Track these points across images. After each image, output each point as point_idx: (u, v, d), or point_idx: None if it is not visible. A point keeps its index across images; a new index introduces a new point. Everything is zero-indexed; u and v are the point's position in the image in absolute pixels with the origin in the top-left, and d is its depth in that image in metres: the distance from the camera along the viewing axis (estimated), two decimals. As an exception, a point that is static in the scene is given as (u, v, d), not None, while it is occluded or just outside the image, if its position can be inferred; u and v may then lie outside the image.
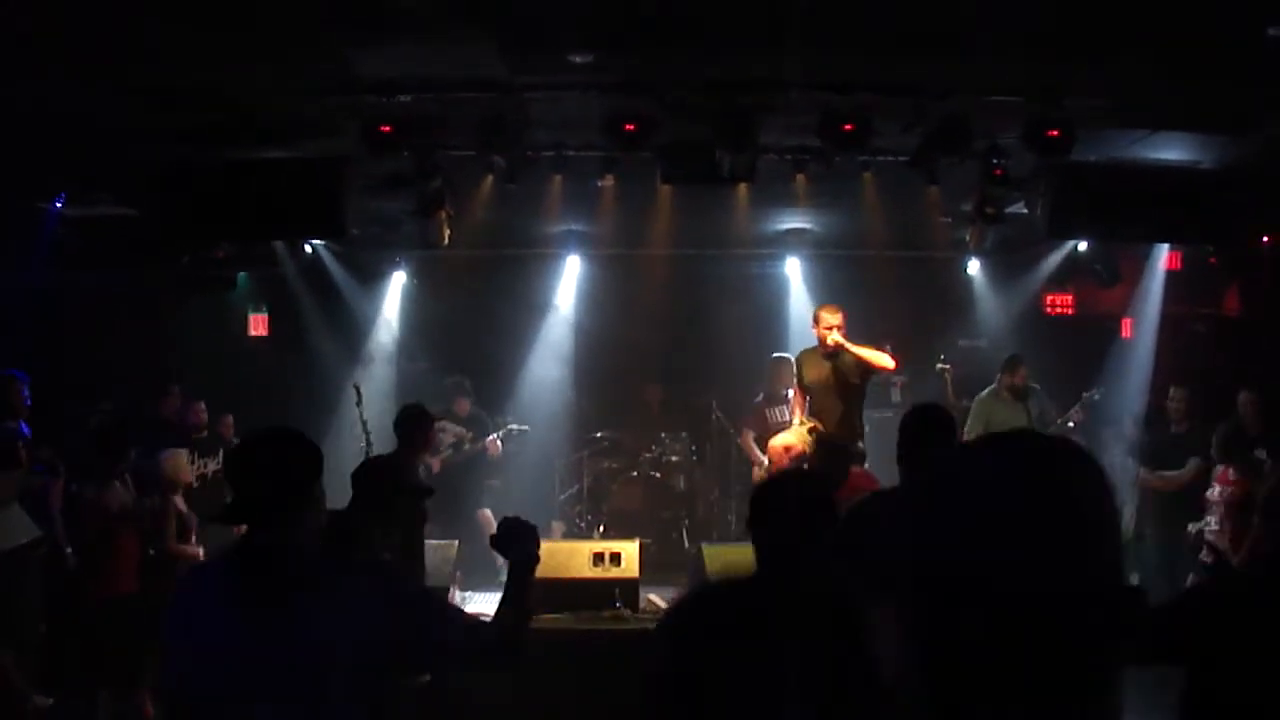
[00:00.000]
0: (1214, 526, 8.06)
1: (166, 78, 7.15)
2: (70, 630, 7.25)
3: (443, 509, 10.45)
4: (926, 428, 5.86)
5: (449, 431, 11.10)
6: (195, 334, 11.62)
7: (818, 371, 8.73)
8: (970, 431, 9.83)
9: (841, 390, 8.67)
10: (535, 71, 7.32)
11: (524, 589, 3.38)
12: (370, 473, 5.71)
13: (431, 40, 6.62)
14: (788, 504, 3.82)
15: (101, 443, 7.64)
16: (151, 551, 7.55)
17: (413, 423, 7.20)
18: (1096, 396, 10.07)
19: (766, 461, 9.40)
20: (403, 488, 5.96)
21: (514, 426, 11.37)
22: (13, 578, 7.15)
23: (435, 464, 10.83)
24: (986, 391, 10.16)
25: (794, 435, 8.96)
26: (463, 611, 3.45)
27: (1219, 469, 8.29)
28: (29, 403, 8.02)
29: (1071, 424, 9.91)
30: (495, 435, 11.07)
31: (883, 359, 8.60)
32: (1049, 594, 1.25)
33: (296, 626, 2.90)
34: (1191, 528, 8.29)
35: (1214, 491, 8.17)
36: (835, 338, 8.51)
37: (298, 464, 3.12)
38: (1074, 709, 1.27)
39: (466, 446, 11.04)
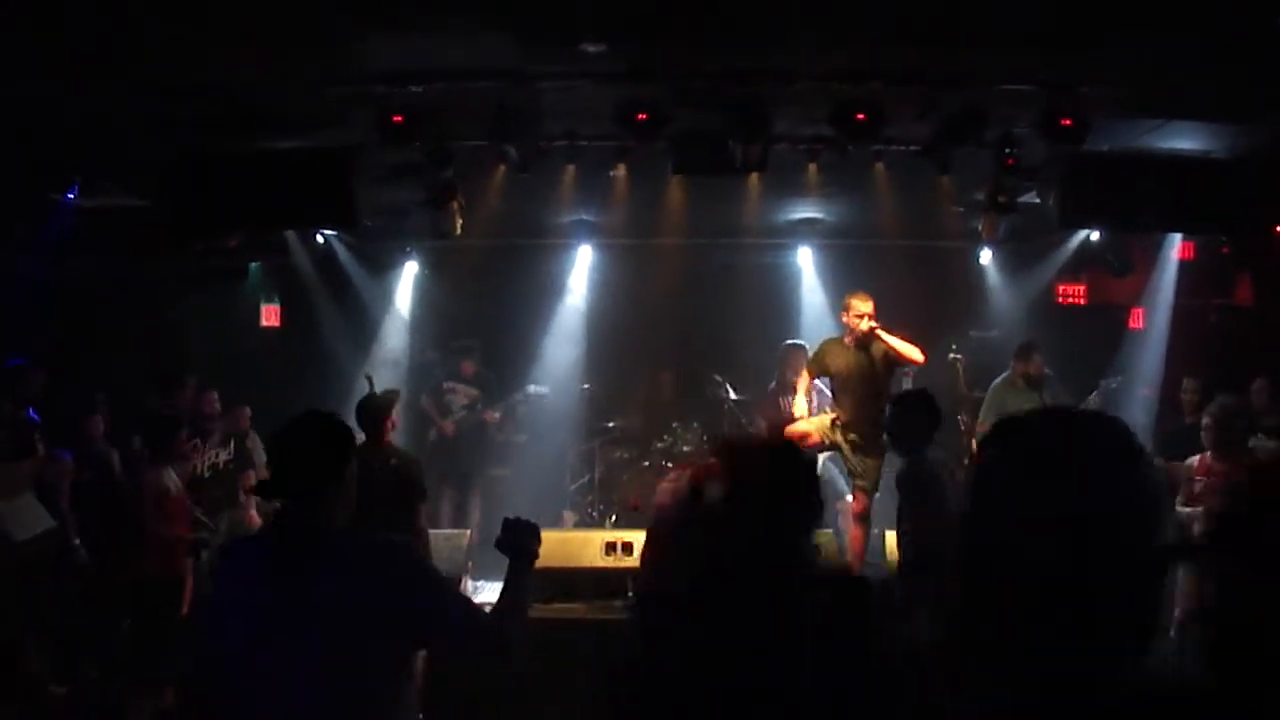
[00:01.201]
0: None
1: (178, 67, 7.16)
2: (92, 618, 7.30)
3: (456, 469, 10.73)
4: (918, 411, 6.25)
5: (460, 393, 11.30)
6: (207, 325, 11.64)
7: (843, 361, 8.71)
8: (984, 420, 9.81)
9: (868, 381, 8.66)
10: (548, 61, 7.32)
11: (521, 585, 3.57)
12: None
13: (444, 29, 6.63)
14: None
15: (148, 432, 7.80)
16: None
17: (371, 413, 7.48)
18: (1114, 385, 9.98)
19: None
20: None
21: (532, 388, 11.69)
22: (29, 567, 7.20)
23: (449, 427, 11.15)
24: (1000, 379, 10.13)
25: (811, 424, 8.99)
26: (467, 598, 3.59)
27: (1195, 458, 8.06)
28: (39, 391, 8.06)
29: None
30: (505, 403, 11.42)
31: (914, 352, 8.57)
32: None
33: (316, 595, 3.11)
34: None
35: (1198, 485, 7.88)
36: (869, 323, 8.50)
37: (330, 446, 3.38)
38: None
39: (479, 407, 11.29)
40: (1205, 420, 7.93)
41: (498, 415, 11.42)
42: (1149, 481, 1.49)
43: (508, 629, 3.41)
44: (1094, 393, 9.98)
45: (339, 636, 3.09)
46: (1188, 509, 8.03)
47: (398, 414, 7.89)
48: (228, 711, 3.20)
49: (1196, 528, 7.84)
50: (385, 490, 7.15)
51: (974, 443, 9.88)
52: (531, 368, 12.21)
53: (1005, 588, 1.45)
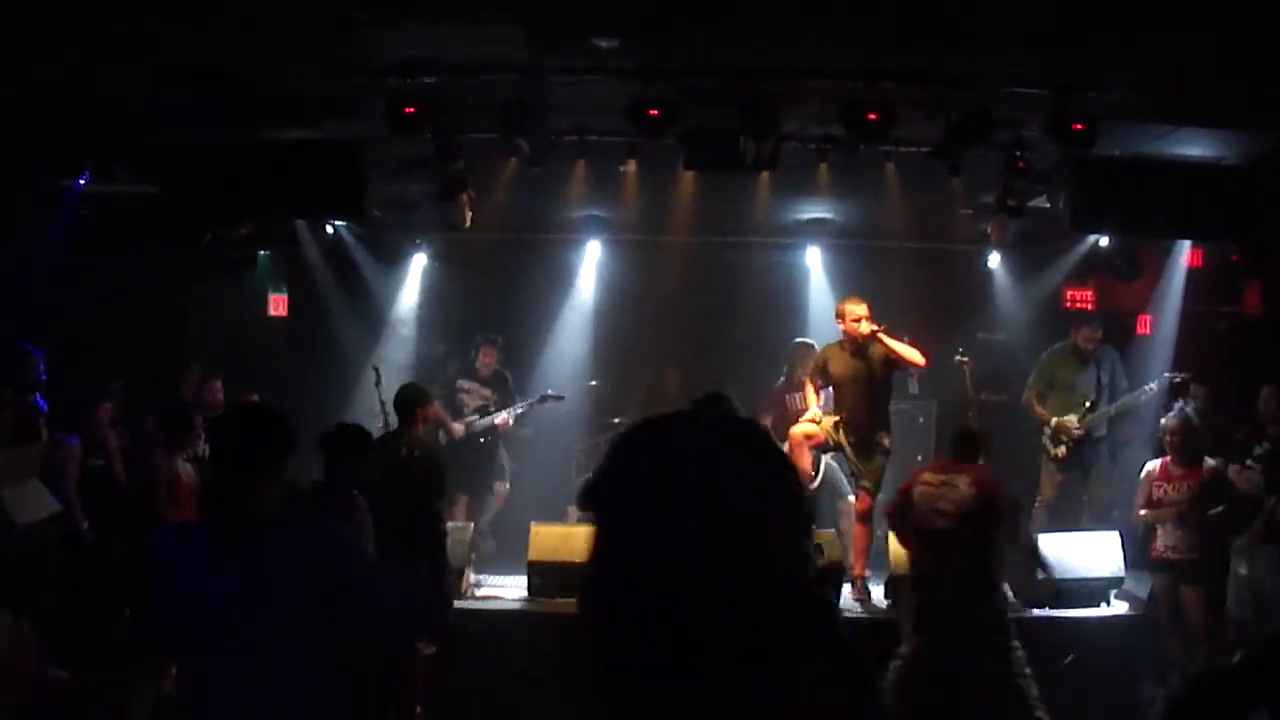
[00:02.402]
0: (1167, 540, 8.05)
1: (190, 57, 7.18)
2: (96, 602, 7.32)
3: (464, 475, 10.19)
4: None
5: (473, 393, 10.80)
6: (215, 313, 11.65)
7: (844, 366, 8.72)
8: (1032, 386, 9.86)
9: (869, 384, 8.67)
10: (560, 56, 7.32)
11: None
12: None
13: (456, 22, 6.63)
14: None
15: (164, 419, 7.88)
16: None
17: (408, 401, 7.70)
18: (1178, 379, 9.69)
19: (786, 448, 9.42)
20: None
21: (550, 393, 11.02)
22: (32, 551, 7.22)
23: (458, 429, 10.59)
24: (1059, 345, 10.11)
25: (814, 424, 8.98)
26: (403, 580, 3.68)
27: (1157, 464, 8.25)
28: (44, 377, 8.07)
29: (1141, 399, 9.77)
30: (516, 408, 10.75)
31: (914, 355, 8.58)
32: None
33: (254, 579, 3.26)
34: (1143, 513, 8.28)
35: (1162, 490, 8.12)
36: (869, 326, 8.49)
37: (267, 436, 3.49)
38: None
39: (492, 409, 10.69)
40: (1171, 425, 8.17)
41: (510, 420, 10.77)
42: (786, 490, 1.36)
43: (444, 613, 3.61)
44: (1153, 382, 9.76)
45: (277, 618, 3.23)
46: (1145, 511, 8.25)
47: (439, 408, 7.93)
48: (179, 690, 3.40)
49: (1158, 533, 8.08)
50: (408, 479, 7.25)
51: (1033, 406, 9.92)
52: (538, 362, 12.20)
53: (630, 601, 1.28)
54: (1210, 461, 8.15)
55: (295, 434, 3.59)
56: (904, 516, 7.09)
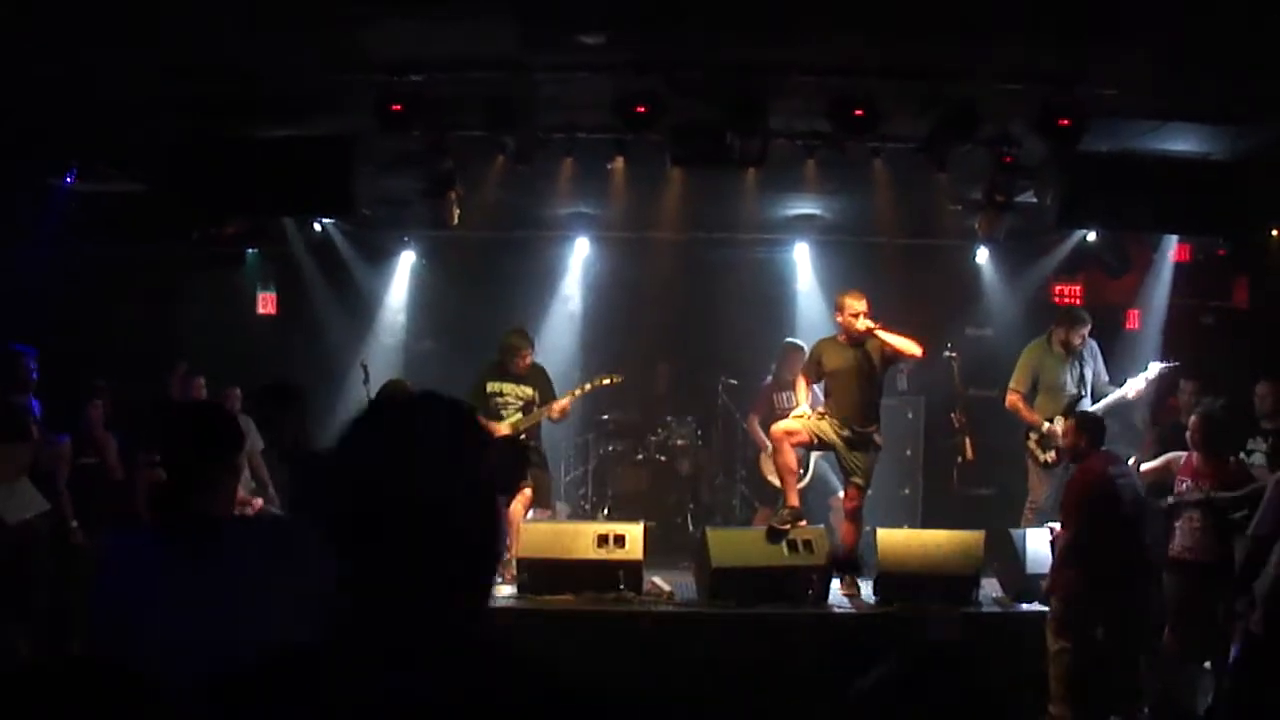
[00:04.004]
0: (1185, 541, 7.48)
1: (179, 53, 7.17)
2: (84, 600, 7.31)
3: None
4: None
5: (509, 394, 9.46)
6: (203, 311, 11.63)
7: (840, 360, 8.73)
8: (1014, 387, 9.60)
9: (864, 379, 8.69)
10: (547, 52, 7.32)
11: None
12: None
13: (444, 18, 6.63)
14: None
15: (148, 421, 7.93)
16: None
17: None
18: (1165, 370, 9.37)
19: (770, 446, 9.44)
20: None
21: (608, 378, 9.89)
22: (22, 550, 7.21)
23: (502, 429, 9.26)
24: (1037, 341, 9.76)
25: (796, 422, 9.00)
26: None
27: (1183, 459, 7.76)
28: (35, 376, 8.05)
29: (1130, 394, 9.29)
30: (575, 391, 9.67)
31: (912, 346, 8.59)
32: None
33: (210, 580, 3.18)
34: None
35: (1183, 486, 7.58)
36: (866, 323, 8.50)
37: (216, 436, 3.46)
38: None
39: (536, 410, 9.44)
40: (1193, 421, 7.76)
41: (565, 403, 9.47)
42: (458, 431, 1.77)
43: None
44: (1139, 374, 9.35)
45: (237, 619, 3.14)
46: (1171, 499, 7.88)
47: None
48: None
49: (1175, 533, 7.57)
50: None
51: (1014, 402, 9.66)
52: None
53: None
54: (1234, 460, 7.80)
55: (238, 434, 3.57)
56: None
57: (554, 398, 9.46)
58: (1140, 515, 7.41)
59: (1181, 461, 7.77)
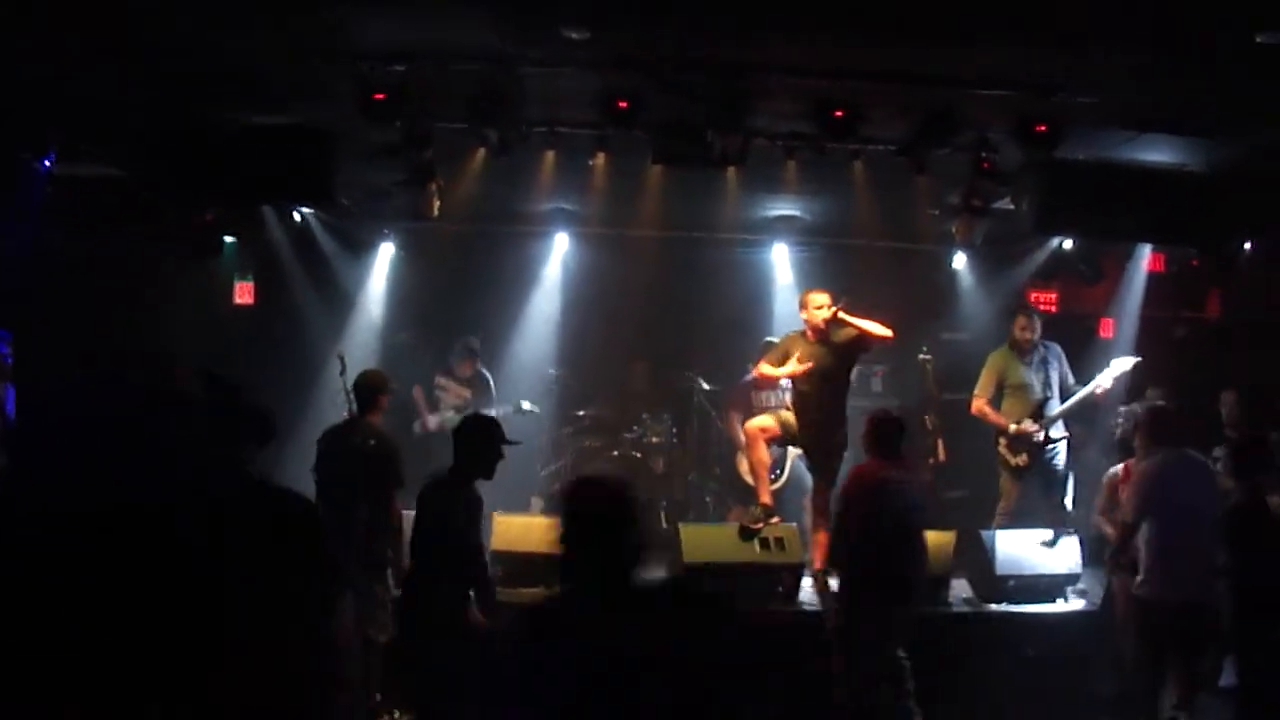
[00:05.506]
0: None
1: (160, 39, 7.13)
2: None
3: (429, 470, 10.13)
4: None
5: (450, 391, 10.94)
6: (179, 300, 11.54)
7: (805, 353, 8.75)
8: (979, 393, 9.67)
9: (829, 377, 8.71)
10: (531, 46, 7.32)
11: None
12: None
13: (428, 9, 6.63)
14: None
15: None
16: None
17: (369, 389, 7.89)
18: (1129, 367, 9.32)
19: (744, 442, 9.47)
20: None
21: (525, 404, 11.09)
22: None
23: (432, 421, 10.79)
24: (999, 348, 9.83)
25: (771, 418, 9.04)
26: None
27: (1120, 469, 7.97)
28: (10, 361, 7.98)
29: (1097, 391, 9.21)
30: (500, 410, 10.29)
31: (881, 329, 8.60)
32: None
33: None
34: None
35: (1124, 493, 7.61)
36: (827, 312, 8.54)
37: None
38: None
39: (467, 410, 10.06)
40: (1130, 425, 7.94)
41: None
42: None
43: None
44: (1103, 372, 9.26)
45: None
46: (1102, 518, 8.03)
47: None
48: None
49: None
50: (361, 467, 7.31)
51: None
52: (505, 355, 12.20)
53: None
54: None
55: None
56: None
57: (489, 405, 10.50)
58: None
59: (1121, 472, 7.92)
